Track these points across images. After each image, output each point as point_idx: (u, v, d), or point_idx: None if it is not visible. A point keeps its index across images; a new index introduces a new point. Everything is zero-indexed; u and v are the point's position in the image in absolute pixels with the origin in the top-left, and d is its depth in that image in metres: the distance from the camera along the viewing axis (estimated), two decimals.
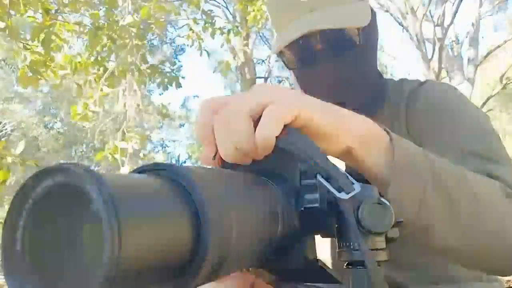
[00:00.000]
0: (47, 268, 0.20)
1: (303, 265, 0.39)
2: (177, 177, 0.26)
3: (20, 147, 2.41)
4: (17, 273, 0.20)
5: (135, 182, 0.23)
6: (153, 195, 0.23)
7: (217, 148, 0.41)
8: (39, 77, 2.73)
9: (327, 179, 0.37)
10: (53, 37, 2.69)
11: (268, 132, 0.39)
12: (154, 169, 0.27)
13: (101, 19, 3.30)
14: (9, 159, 2.29)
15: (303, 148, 0.39)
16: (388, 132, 0.49)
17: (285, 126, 0.40)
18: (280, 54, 0.82)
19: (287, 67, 0.84)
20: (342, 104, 0.48)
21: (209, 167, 0.42)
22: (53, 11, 2.76)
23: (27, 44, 2.83)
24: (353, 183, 0.37)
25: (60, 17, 2.90)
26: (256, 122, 0.40)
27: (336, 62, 0.76)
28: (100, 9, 3.41)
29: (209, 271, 0.25)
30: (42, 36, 2.61)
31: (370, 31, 0.79)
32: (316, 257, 0.40)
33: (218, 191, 0.27)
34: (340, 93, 0.76)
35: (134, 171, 0.29)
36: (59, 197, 0.21)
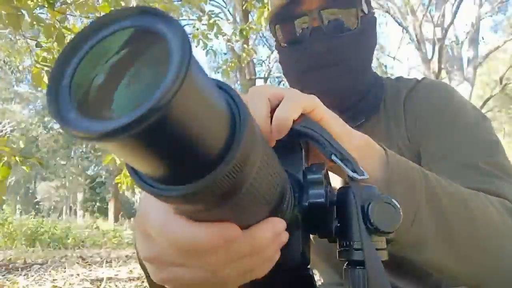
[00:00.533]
0: (91, 103, 0.20)
1: (299, 261, 0.39)
2: (230, 98, 0.25)
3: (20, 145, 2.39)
4: (60, 106, 0.19)
5: None
6: (213, 82, 0.23)
7: None
8: None
9: (341, 160, 0.39)
10: (65, 31, 2.67)
11: (288, 113, 0.40)
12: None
13: None
14: (10, 156, 2.26)
15: (319, 132, 0.40)
16: (385, 149, 0.50)
17: (301, 115, 0.42)
18: (273, 27, 0.80)
19: (278, 45, 0.81)
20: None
21: None
22: (58, 4, 2.74)
23: (38, 41, 2.81)
24: (363, 171, 0.38)
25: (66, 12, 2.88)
26: (273, 110, 0.41)
27: (330, 43, 0.74)
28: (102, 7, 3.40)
29: (228, 184, 0.23)
30: (54, 33, 2.60)
31: (369, 21, 0.78)
32: (309, 260, 0.40)
33: (255, 128, 0.26)
34: (328, 77, 0.75)
35: None
36: (123, 40, 0.20)
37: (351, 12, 0.75)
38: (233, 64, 5.40)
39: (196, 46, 4.57)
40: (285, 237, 0.33)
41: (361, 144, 0.48)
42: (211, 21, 4.33)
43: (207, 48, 4.57)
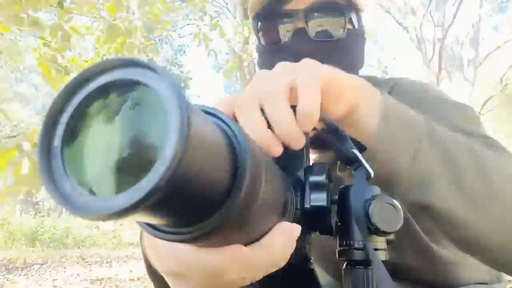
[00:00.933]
0: (84, 170, 0.19)
1: (300, 262, 0.39)
2: (225, 126, 0.24)
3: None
4: (51, 170, 0.19)
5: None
6: (208, 122, 0.22)
7: None
8: (67, 73, 2.70)
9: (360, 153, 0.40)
10: (69, 30, 2.67)
11: (314, 100, 0.38)
12: (203, 110, 0.25)
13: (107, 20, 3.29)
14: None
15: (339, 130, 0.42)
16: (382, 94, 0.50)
17: None
18: (255, 23, 0.76)
19: (258, 43, 0.78)
20: None
21: None
22: (67, 2, 2.75)
23: (46, 40, 2.80)
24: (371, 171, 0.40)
25: (73, 12, 2.87)
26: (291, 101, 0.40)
27: (313, 46, 0.71)
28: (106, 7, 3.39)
29: (237, 210, 0.23)
30: (60, 32, 2.59)
31: (357, 36, 0.75)
32: (310, 258, 0.40)
33: (256, 149, 0.26)
34: None
35: None
36: (113, 94, 0.19)
37: (338, 22, 0.72)
38: (234, 64, 5.40)
39: (198, 46, 4.58)
40: (297, 230, 0.33)
41: (361, 90, 0.48)
42: (213, 22, 4.34)
43: (209, 49, 4.58)
